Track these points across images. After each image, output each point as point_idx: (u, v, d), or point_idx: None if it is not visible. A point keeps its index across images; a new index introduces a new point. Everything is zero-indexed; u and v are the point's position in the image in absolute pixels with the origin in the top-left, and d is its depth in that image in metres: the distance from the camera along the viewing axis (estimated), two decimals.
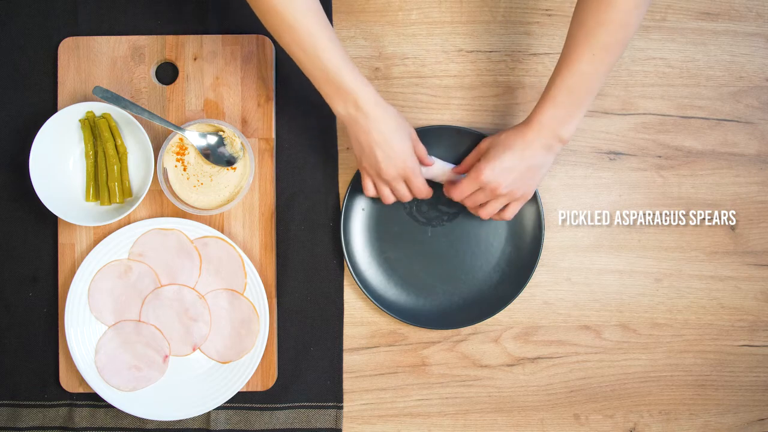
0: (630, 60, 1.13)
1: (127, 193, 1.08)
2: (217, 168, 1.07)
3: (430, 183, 1.07)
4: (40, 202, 1.04)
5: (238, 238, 1.09)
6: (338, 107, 0.95)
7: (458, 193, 1.01)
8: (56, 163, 1.06)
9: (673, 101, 1.13)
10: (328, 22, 0.92)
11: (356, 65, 0.94)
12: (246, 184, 1.06)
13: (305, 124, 1.11)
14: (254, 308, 1.07)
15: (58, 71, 1.09)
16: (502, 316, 1.11)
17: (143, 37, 1.10)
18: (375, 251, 1.11)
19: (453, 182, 1.04)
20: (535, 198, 1.09)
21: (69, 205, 1.06)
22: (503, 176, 0.98)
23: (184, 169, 1.07)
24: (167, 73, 1.11)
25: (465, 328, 1.11)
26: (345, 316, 1.11)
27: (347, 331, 1.11)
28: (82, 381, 1.08)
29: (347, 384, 1.11)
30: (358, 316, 1.11)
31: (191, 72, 1.10)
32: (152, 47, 1.10)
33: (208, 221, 1.09)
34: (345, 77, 0.92)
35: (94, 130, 1.07)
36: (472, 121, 1.12)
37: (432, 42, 1.13)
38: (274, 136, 1.10)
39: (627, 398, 1.11)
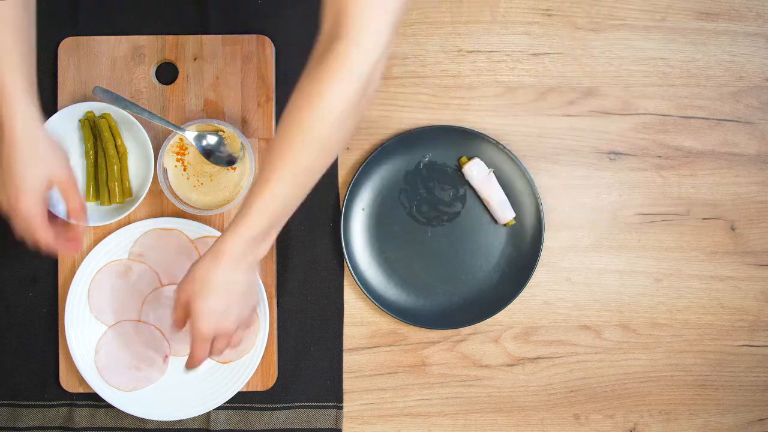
0: (630, 60, 1.13)
1: (127, 193, 1.08)
2: (217, 168, 1.07)
3: None
4: None
5: None
6: None
7: (197, 362, 0.90)
8: None
9: (673, 101, 1.13)
10: (28, 35, 0.84)
11: (34, 81, 0.85)
12: (246, 184, 1.06)
13: None
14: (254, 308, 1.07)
15: (58, 71, 1.09)
16: (502, 316, 1.11)
17: (143, 37, 1.10)
18: (375, 251, 1.11)
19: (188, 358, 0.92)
20: (535, 198, 1.09)
21: None
22: (224, 319, 0.89)
23: (184, 169, 1.07)
24: (167, 73, 1.11)
25: (465, 328, 1.11)
26: (345, 316, 1.11)
27: (347, 331, 1.11)
28: (82, 381, 1.08)
29: (347, 384, 1.11)
30: (358, 316, 1.11)
31: (191, 72, 1.10)
32: (152, 47, 1.10)
33: (208, 221, 1.09)
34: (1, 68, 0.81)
35: (94, 130, 1.07)
36: (472, 121, 1.12)
37: (432, 42, 1.13)
38: (274, 136, 1.10)
39: (627, 398, 1.11)
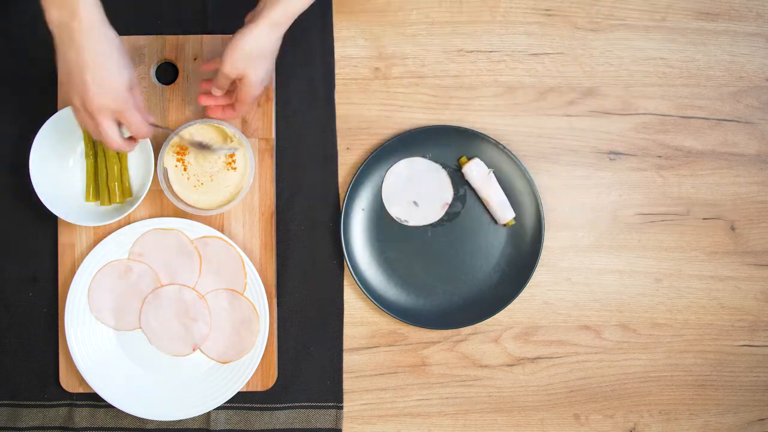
0: (630, 60, 1.13)
1: (127, 193, 1.08)
2: (217, 168, 1.07)
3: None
4: (40, 202, 1.04)
5: (238, 238, 1.09)
6: (52, 11, 0.82)
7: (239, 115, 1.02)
8: (56, 163, 1.06)
9: (673, 101, 1.13)
10: None
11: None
12: (246, 185, 1.06)
13: (305, 124, 1.11)
14: (254, 308, 1.07)
15: (59, 71, 1.09)
16: (502, 316, 1.11)
17: (143, 37, 1.10)
18: (375, 251, 1.11)
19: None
20: (535, 198, 1.09)
21: (69, 205, 1.06)
22: (267, 81, 1.00)
23: (185, 169, 1.07)
24: (167, 73, 1.11)
25: (465, 328, 1.11)
26: (345, 316, 1.11)
27: (347, 331, 1.11)
28: (82, 381, 1.08)
29: (347, 384, 1.11)
30: (358, 316, 1.11)
31: (191, 72, 1.10)
32: (152, 47, 1.10)
33: (208, 221, 1.09)
34: None
35: None
36: (472, 121, 1.12)
37: (432, 42, 1.13)
38: (274, 136, 1.10)
39: (627, 398, 1.11)
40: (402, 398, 1.11)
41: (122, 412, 1.08)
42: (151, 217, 1.09)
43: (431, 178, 1.11)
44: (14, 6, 1.11)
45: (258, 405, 1.10)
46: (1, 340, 1.09)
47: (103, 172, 1.07)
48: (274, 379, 1.09)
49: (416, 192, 1.10)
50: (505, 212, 1.09)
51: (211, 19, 1.11)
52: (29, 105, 1.10)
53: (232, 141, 1.06)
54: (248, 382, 1.08)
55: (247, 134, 1.09)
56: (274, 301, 1.10)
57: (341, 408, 1.10)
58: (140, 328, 1.08)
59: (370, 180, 1.11)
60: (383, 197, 1.11)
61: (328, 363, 1.10)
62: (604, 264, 1.12)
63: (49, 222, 1.09)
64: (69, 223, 1.07)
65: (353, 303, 1.11)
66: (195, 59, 1.10)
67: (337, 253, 1.11)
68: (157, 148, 1.07)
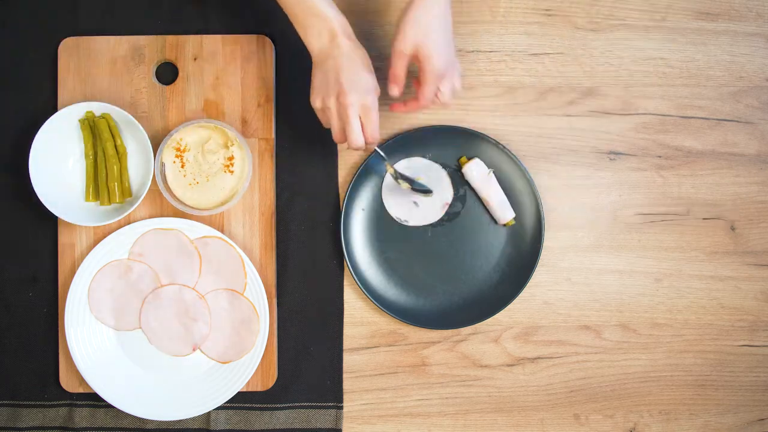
0: (630, 60, 1.13)
1: (126, 193, 1.08)
2: (215, 169, 1.07)
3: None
4: (40, 202, 1.04)
5: (238, 238, 1.09)
6: (313, 40, 0.96)
7: (427, 102, 1.00)
8: (56, 163, 1.06)
9: (673, 101, 1.13)
10: None
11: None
12: (242, 189, 1.06)
13: (305, 124, 1.11)
14: (254, 308, 1.07)
15: (58, 71, 1.09)
16: (502, 316, 1.11)
17: (143, 37, 1.10)
18: (375, 251, 1.11)
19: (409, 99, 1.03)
20: (535, 198, 1.09)
21: (69, 205, 1.06)
22: (452, 54, 0.99)
23: (182, 166, 1.07)
24: (167, 73, 1.11)
25: (465, 328, 1.11)
26: (345, 316, 1.11)
27: (347, 331, 1.11)
28: (82, 381, 1.08)
29: (347, 384, 1.11)
30: (358, 316, 1.11)
31: (191, 72, 1.10)
32: (152, 47, 1.10)
33: (208, 221, 1.09)
34: (320, 5, 0.95)
35: (94, 130, 1.07)
36: (472, 121, 1.12)
37: None
38: (274, 136, 1.10)
39: (627, 398, 1.11)
40: (402, 398, 1.11)
41: (122, 412, 1.08)
42: (151, 217, 1.09)
43: (431, 178, 1.11)
44: (14, 6, 1.11)
45: (258, 405, 1.10)
46: (1, 340, 1.09)
47: (103, 172, 1.07)
48: (274, 379, 1.09)
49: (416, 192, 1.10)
50: (505, 212, 1.09)
51: (211, 19, 1.11)
52: (29, 105, 1.10)
53: (231, 143, 1.06)
54: (248, 382, 1.08)
55: (247, 134, 1.09)
56: (274, 301, 1.10)
57: (341, 408, 1.10)
58: (140, 328, 1.08)
59: (370, 180, 1.11)
60: (383, 197, 1.11)
61: (328, 363, 1.10)
62: (604, 264, 1.12)
63: (49, 222, 1.09)
64: (69, 223, 1.08)
65: (353, 303, 1.11)
66: (195, 59, 1.10)
67: (337, 253, 1.11)
68: (156, 148, 1.07)
